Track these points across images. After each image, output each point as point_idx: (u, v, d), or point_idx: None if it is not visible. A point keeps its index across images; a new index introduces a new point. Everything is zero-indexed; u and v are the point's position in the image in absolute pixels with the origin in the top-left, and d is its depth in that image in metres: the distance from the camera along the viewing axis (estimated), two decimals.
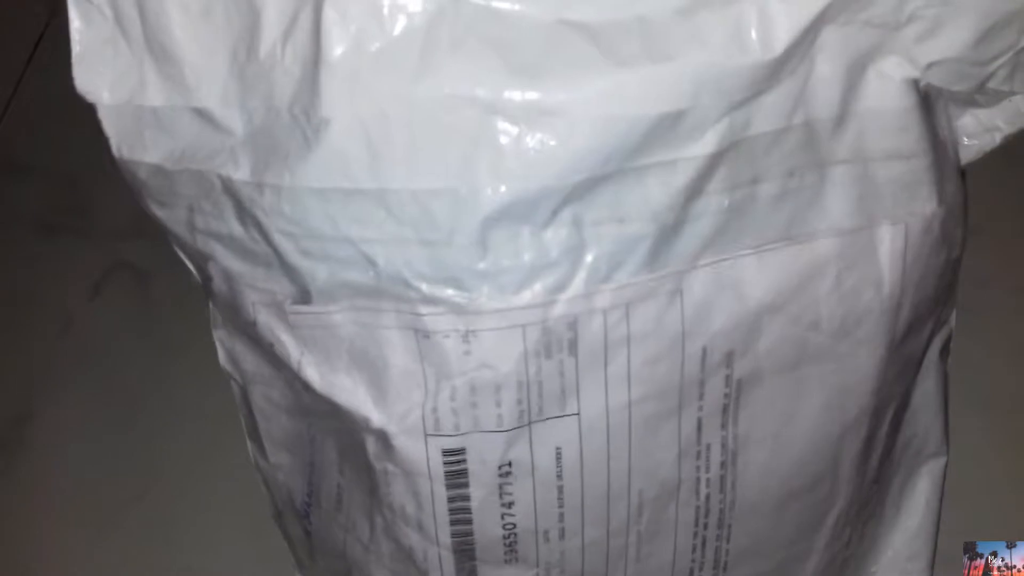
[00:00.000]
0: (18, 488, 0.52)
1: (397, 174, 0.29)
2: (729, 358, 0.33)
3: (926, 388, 0.42)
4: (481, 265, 0.30)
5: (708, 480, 0.36)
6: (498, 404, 0.32)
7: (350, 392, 0.33)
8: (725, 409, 0.35)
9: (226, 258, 0.32)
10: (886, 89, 0.31)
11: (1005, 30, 0.29)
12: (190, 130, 0.30)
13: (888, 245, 0.34)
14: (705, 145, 0.29)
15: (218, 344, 0.37)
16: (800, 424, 0.36)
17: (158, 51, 0.29)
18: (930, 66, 0.30)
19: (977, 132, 0.35)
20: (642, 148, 0.29)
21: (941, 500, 0.45)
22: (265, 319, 0.33)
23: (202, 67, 0.28)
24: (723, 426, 0.35)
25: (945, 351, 0.42)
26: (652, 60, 0.27)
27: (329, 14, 0.27)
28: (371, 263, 0.30)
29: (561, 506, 0.35)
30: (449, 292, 0.30)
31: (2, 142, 0.66)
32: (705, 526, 0.37)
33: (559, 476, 0.34)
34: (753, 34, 0.27)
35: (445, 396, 0.32)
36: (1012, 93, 0.33)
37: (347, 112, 0.28)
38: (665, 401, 0.33)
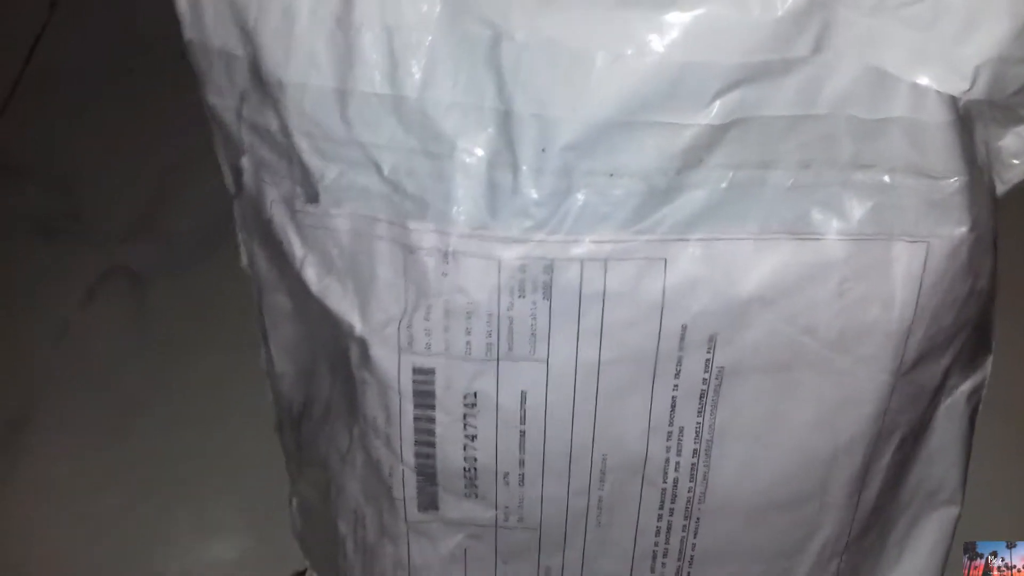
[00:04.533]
0: (15, 492, 0.52)
1: (413, 83, 0.30)
2: (711, 342, 0.33)
3: (947, 433, 0.40)
4: (474, 187, 0.31)
5: (678, 464, 0.36)
6: (468, 332, 0.33)
7: (340, 297, 0.34)
8: (703, 395, 0.34)
9: (261, 148, 0.34)
10: (923, 102, 0.30)
11: None
12: (232, 20, 0.32)
13: (905, 263, 0.32)
14: (709, 114, 0.29)
15: (241, 245, 0.39)
16: (786, 432, 0.35)
17: None
18: (976, 73, 0.29)
19: (1022, 151, 0.33)
20: (645, 103, 0.29)
21: (948, 552, 0.42)
22: (279, 217, 0.35)
23: None
24: (699, 412, 0.35)
25: (975, 397, 0.39)
26: (656, 6, 0.27)
27: None
28: (377, 168, 0.31)
29: (522, 451, 0.35)
30: (440, 208, 0.31)
31: None
32: (671, 512, 0.37)
33: (522, 420, 0.34)
34: None
35: (421, 314, 0.33)
36: None
37: (376, 21, 0.29)
38: (638, 369, 0.33)
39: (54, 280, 0.59)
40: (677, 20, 0.27)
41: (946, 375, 0.37)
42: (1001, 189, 0.36)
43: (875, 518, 0.40)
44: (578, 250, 0.31)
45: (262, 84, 0.32)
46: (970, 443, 0.41)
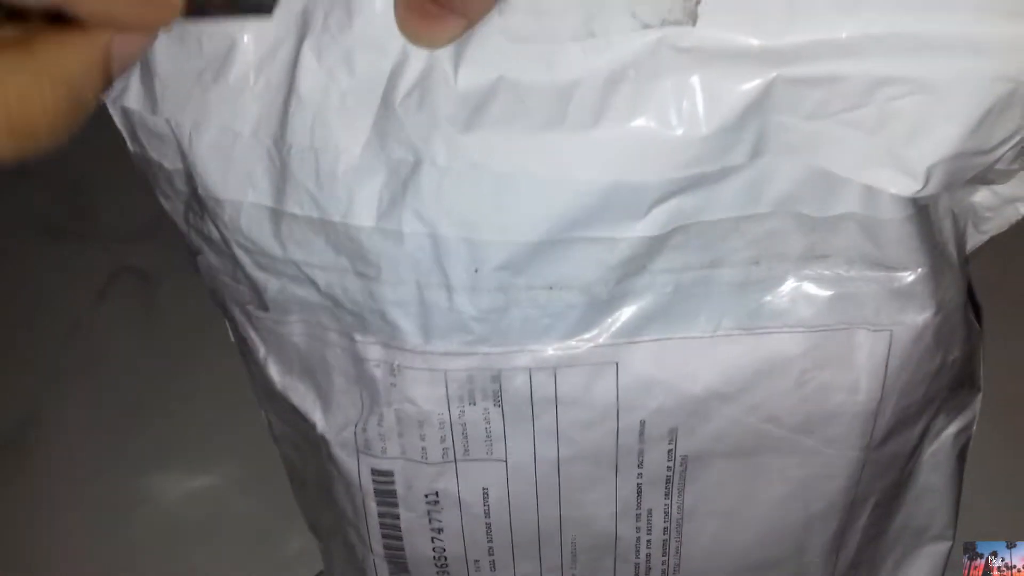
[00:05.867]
0: (24, 491, 0.52)
1: (337, 207, 0.29)
2: (672, 434, 0.32)
3: (933, 476, 0.39)
4: (408, 307, 0.30)
5: (649, 541, 0.35)
6: (422, 438, 0.32)
7: (302, 396, 0.34)
8: (668, 480, 0.34)
9: (210, 255, 0.34)
10: (876, 198, 0.28)
11: (1006, 113, 0.26)
12: (169, 138, 0.31)
13: (867, 351, 0.31)
14: (647, 225, 0.28)
15: (227, 323, 0.39)
16: (757, 508, 0.35)
17: (141, 60, 0.30)
18: (929, 173, 0.27)
19: (997, 204, 0.32)
20: (576, 222, 0.28)
21: None
22: (239, 316, 0.34)
23: (169, 83, 0.29)
24: (666, 495, 0.34)
25: (963, 436, 0.38)
26: (579, 128, 0.26)
27: (307, 53, 0.27)
28: (314, 285, 0.31)
29: (490, 540, 0.35)
30: (379, 325, 0.30)
31: None
32: None
33: (487, 513, 0.34)
34: (677, 111, 0.25)
35: (375, 420, 0.32)
36: None
37: (307, 142, 0.28)
38: (599, 463, 0.33)
39: (63, 280, 0.59)
40: (601, 141, 0.26)
41: (923, 436, 0.36)
42: (979, 239, 0.35)
43: (857, 568, 0.39)
44: (523, 360, 0.30)
45: (200, 198, 0.31)
46: (961, 477, 0.40)
